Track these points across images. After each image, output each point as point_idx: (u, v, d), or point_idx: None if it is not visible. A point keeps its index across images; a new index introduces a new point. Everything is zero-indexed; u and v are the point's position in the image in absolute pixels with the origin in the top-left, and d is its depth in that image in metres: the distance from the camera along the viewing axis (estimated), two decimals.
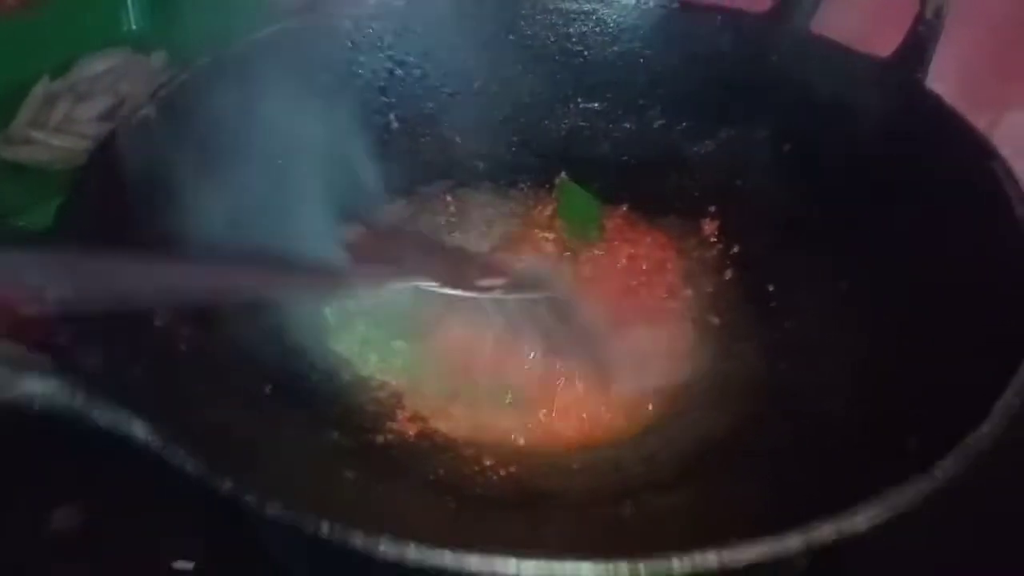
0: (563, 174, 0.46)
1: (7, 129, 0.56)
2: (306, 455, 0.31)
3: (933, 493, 0.23)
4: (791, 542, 0.22)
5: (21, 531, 0.36)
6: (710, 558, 0.22)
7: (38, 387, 0.23)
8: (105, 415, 0.24)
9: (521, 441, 0.36)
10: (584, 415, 0.36)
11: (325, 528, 0.23)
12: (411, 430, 0.35)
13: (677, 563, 0.22)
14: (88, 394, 0.24)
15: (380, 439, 0.34)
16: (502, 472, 0.34)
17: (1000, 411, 0.25)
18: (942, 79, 0.44)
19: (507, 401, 0.36)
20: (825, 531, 0.22)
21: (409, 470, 0.33)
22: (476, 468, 0.34)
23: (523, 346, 0.37)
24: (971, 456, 0.24)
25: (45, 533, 0.36)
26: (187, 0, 0.66)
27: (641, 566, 0.22)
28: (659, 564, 0.22)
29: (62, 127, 0.56)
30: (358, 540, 0.22)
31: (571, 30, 0.47)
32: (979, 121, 0.44)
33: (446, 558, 0.22)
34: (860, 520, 0.22)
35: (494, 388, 0.36)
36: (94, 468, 0.37)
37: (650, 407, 0.36)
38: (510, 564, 0.22)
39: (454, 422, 0.36)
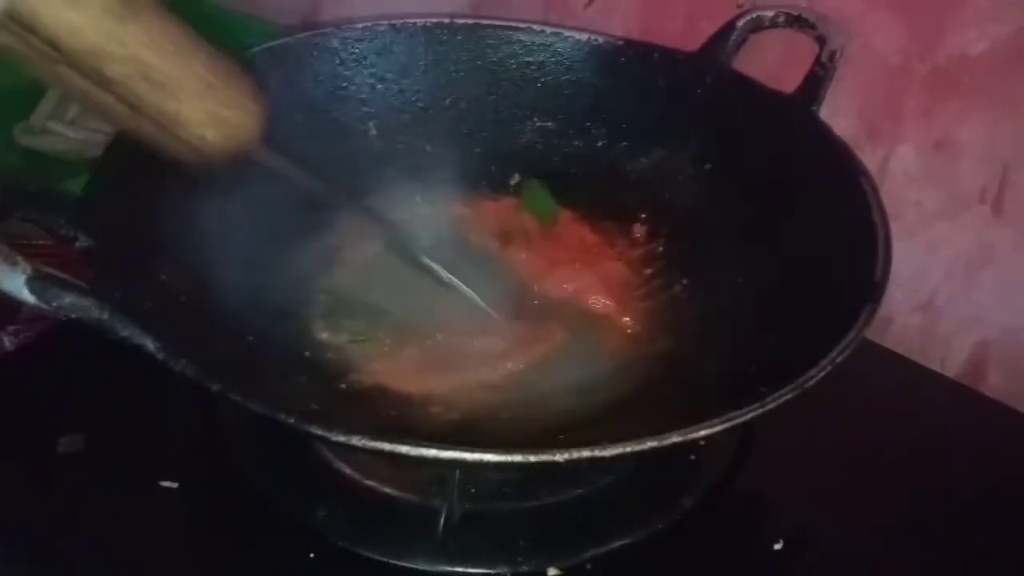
0: (516, 176, 0.53)
1: (28, 119, 0.62)
2: (279, 387, 0.37)
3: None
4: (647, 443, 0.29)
5: (33, 454, 0.42)
6: (585, 453, 0.29)
7: (77, 302, 0.30)
8: (124, 328, 0.30)
9: (464, 396, 0.42)
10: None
11: (291, 420, 0.29)
12: (368, 380, 0.42)
13: (560, 456, 0.29)
14: (112, 313, 0.30)
15: (342, 385, 0.41)
16: (446, 417, 0.40)
17: (821, 369, 0.32)
18: (843, 115, 0.51)
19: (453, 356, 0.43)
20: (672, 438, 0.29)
21: (366, 410, 0.40)
22: (422, 412, 0.40)
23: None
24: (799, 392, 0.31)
25: (52, 456, 0.41)
26: (194, 16, 0.74)
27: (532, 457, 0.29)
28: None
29: (77, 121, 0.62)
30: (318, 430, 0.29)
31: (530, 59, 0.54)
32: (876, 153, 0.52)
33: (383, 445, 0.29)
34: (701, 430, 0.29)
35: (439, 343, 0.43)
36: (94, 402, 0.44)
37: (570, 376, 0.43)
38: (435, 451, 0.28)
39: (406, 378, 0.43)
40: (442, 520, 0.38)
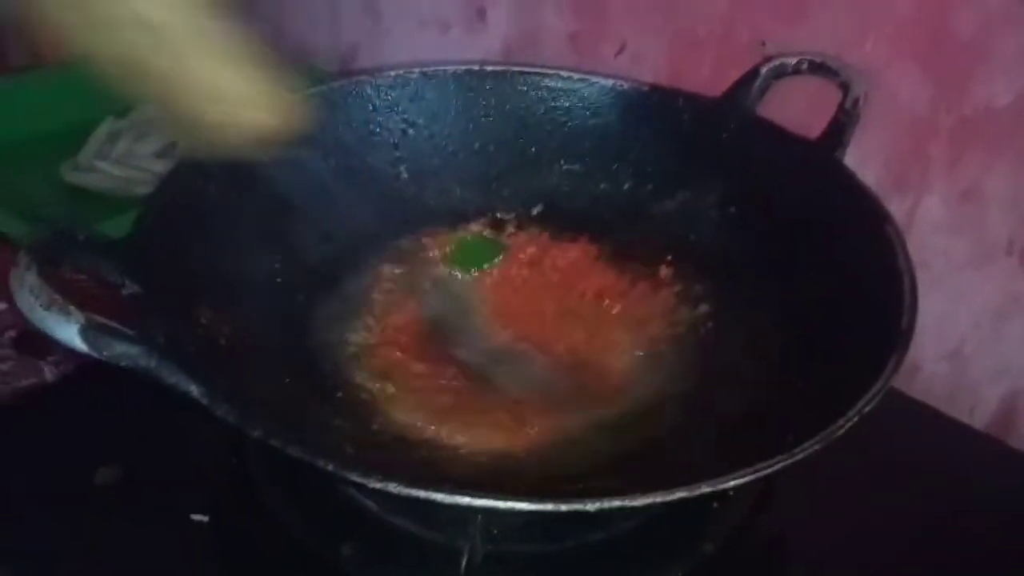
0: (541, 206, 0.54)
1: (76, 157, 0.65)
2: (315, 430, 0.38)
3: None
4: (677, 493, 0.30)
5: (70, 485, 0.43)
6: (615, 502, 0.29)
7: (127, 351, 0.31)
8: (171, 375, 0.31)
9: (493, 442, 0.43)
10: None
11: (331, 466, 0.30)
12: (399, 422, 0.42)
13: (590, 505, 0.29)
14: (160, 360, 0.32)
15: (375, 426, 0.42)
16: (473, 461, 0.41)
17: (848, 419, 0.33)
18: (871, 165, 0.51)
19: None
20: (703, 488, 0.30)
21: (397, 452, 0.40)
22: (452, 453, 0.41)
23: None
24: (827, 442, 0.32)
25: (89, 488, 0.43)
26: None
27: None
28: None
29: (122, 160, 0.64)
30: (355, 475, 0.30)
31: (557, 104, 0.55)
32: (903, 202, 0.53)
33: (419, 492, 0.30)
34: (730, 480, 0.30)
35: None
36: (131, 436, 0.46)
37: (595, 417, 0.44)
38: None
39: (436, 420, 0.43)
40: (464, 561, 0.38)
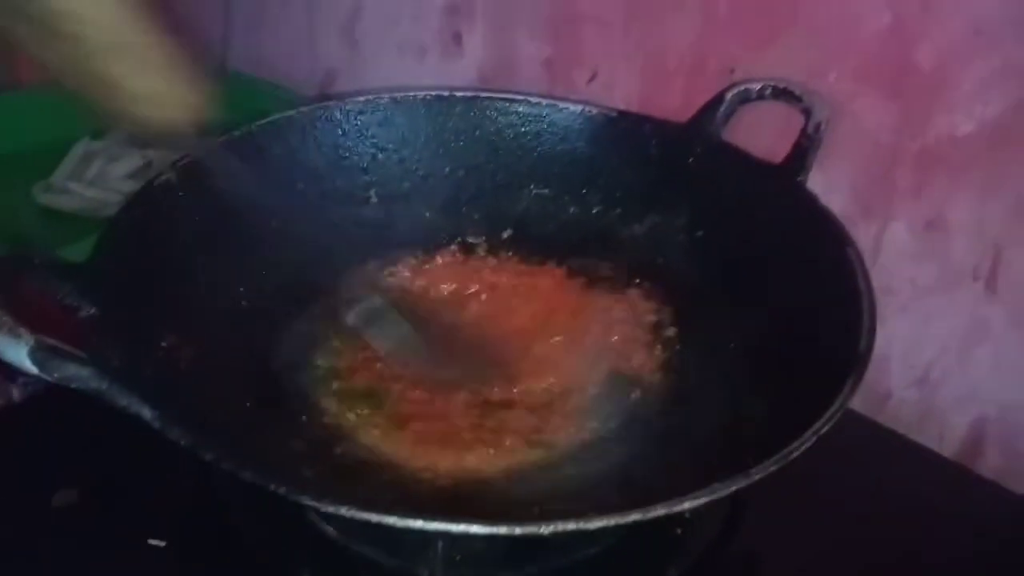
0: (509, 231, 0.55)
1: (48, 179, 0.65)
2: (275, 453, 0.38)
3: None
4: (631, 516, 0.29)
5: (28, 508, 0.43)
6: (570, 525, 0.29)
7: (77, 373, 0.31)
8: (123, 399, 0.31)
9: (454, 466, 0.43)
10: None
11: (282, 490, 0.30)
12: (363, 446, 0.42)
13: (544, 528, 0.29)
14: (112, 383, 0.31)
15: (338, 450, 0.41)
16: (437, 484, 0.41)
17: (803, 441, 0.33)
18: (836, 192, 0.52)
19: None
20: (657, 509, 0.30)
21: (358, 475, 0.40)
22: (413, 477, 0.41)
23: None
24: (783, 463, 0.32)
25: (47, 510, 0.42)
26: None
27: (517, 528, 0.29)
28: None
29: (96, 181, 0.64)
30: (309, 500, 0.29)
31: (527, 129, 0.55)
32: (869, 229, 0.53)
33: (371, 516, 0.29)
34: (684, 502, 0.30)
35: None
36: (88, 459, 0.45)
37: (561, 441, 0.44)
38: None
39: (401, 446, 0.43)
40: None
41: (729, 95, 0.52)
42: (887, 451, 0.51)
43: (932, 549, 0.44)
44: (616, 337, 0.50)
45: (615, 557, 0.41)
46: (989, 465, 0.52)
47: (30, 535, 0.41)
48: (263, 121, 0.51)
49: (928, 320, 0.53)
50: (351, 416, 0.44)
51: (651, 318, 0.50)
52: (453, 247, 0.55)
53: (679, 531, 0.42)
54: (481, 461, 0.43)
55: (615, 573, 0.41)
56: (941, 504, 0.47)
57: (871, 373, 0.36)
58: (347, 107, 0.53)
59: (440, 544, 0.38)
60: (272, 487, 0.29)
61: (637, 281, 0.52)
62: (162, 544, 0.41)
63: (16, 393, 0.49)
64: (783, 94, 0.50)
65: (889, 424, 0.52)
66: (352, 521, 0.30)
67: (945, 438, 0.54)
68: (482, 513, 0.38)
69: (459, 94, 0.56)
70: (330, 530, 0.41)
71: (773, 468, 0.31)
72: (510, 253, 0.55)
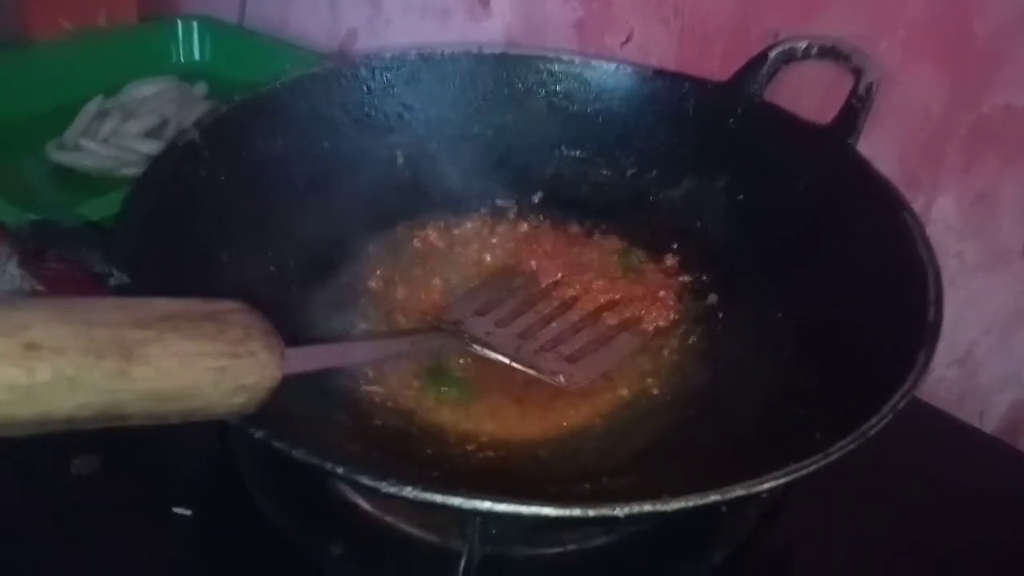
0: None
1: (61, 136, 0.62)
2: (318, 427, 0.37)
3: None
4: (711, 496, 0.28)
5: (47, 475, 0.41)
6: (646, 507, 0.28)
7: None
8: None
9: (499, 433, 0.41)
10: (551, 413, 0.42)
11: (340, 469, 0.28)
12: (403, 416, 0.41)
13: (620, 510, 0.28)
14: None
15: (377, 421, 0.40)
16: (481, 456, 0.40)
17: (882, 417, 0.31)
18: (883, 162, 0.48)
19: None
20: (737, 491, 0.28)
21: (403, 449, 0.39)
22: (459, 450, 0.39)
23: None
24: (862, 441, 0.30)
25: (66, 477, 0.41)
26: (229, 41, 0.74)
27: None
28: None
29: (110, 139, 0.62)
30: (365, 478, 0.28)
31: (558, 88, 0.53)
32: (916, 201, 0.50)
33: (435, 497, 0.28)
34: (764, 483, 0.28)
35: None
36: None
37: (609, 408, 0.42)
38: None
39: (441, 415, 0.42)
40: (462, 564, 0.36)
41: (773, 53, 0.49)
42: (926, 427, 0.49)
43: (973, 525, 0.44)
44: (654, 304, 0.48)
45: (657, 537, 0.40)
46: None
47: (52, 503, 0.40)
48: (287, 78, 0.48)
49: (974, 297, 0.51)
50: (389, 381, 0.42)
51: (691, 285, 0.49)
52: (483, 210, 0.53)
53: (724, 510, 0.41)
54: (525, 429, 0.41)
55: (656, 552, 0.40)
56: (983, 480, 0.46)
57: None
58: (373, 63, 0.51)
59: (479, 520, 0.37)
60: (330, 467, 0.28)
61: (675, 247, 0.51)
62: (188, 513, 0.39)
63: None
64: (830, 53, 0.48)
65: (928, 401, 0.51)
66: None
67: (986, 416, 0.53)
68: (533, 485, 0.37)
69: (488, 52, 0.53)
70: (361, 502, 0.40)
71: (852, 447, 0.30)
72: (541, 217, 0.53)
